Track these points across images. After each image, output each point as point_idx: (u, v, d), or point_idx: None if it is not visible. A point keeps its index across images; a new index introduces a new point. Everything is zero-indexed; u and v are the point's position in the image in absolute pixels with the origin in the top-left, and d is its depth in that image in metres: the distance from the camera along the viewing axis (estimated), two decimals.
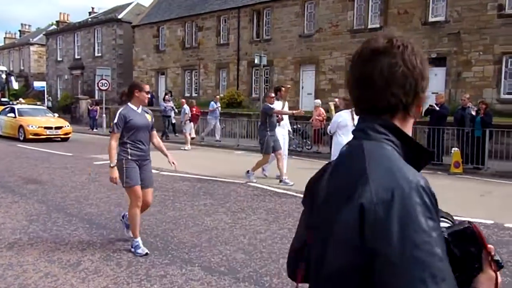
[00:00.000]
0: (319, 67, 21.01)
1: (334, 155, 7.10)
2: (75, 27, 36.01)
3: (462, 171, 10.70)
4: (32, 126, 17.14)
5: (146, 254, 4.39)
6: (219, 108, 18.04)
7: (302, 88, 21.63)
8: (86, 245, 4.70)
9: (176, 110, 18.95)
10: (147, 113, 4.74)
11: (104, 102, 21.71)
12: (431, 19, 17.63)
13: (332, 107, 8.85)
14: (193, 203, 6.75)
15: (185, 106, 16.31)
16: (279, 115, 8.73)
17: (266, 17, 23.40)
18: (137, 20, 31.03)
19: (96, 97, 30.66)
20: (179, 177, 9.18)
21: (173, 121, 19.13)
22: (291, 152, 14.23)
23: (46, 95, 33.87)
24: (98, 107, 23.01)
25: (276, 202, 6.98)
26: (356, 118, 1.13)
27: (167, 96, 19.51)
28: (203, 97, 26.13)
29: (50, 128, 17.39)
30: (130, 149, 4.50)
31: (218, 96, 18.72)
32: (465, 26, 16.58)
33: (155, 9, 30.68)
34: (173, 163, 4.79)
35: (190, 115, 16.07)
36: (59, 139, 17.59)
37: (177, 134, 18.93)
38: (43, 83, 35.67)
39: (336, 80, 19.94)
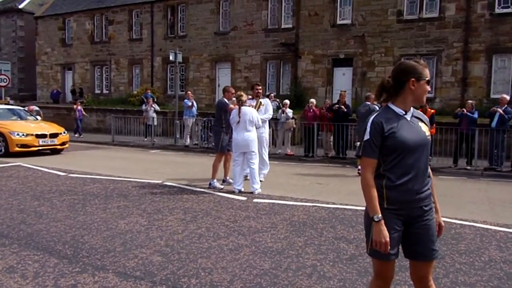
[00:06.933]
0: (235, 65, 21.22)
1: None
2: None
3: None
4: (18, 134, 12.54)
5: None
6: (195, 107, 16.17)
7: (219, 86, 21.68)
8: None
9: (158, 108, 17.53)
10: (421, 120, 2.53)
11: (3, 99, 19.92)
12: (339, 22, 18.62)
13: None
14: (105, 206, 6.47)
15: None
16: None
17: (180, 13, 23.06)
18: (40, 11, 28.89)
19: None
20: (89, 179, 8.73)
21: (155, 122, 17.26)
22: (207, 149, 14.23)
23: None
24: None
25: (194, 201, 6.94)
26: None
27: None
28: (115, 94, 25.11)
29: (44, 136, 12.89)
30: (387, 187, 2.43)
31: (189, 92, 16.76)
32: (369, 30, 17.77)
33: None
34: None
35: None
36: (50, 151, 13.21)
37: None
38: None
39: (251, 78, 20.24)
